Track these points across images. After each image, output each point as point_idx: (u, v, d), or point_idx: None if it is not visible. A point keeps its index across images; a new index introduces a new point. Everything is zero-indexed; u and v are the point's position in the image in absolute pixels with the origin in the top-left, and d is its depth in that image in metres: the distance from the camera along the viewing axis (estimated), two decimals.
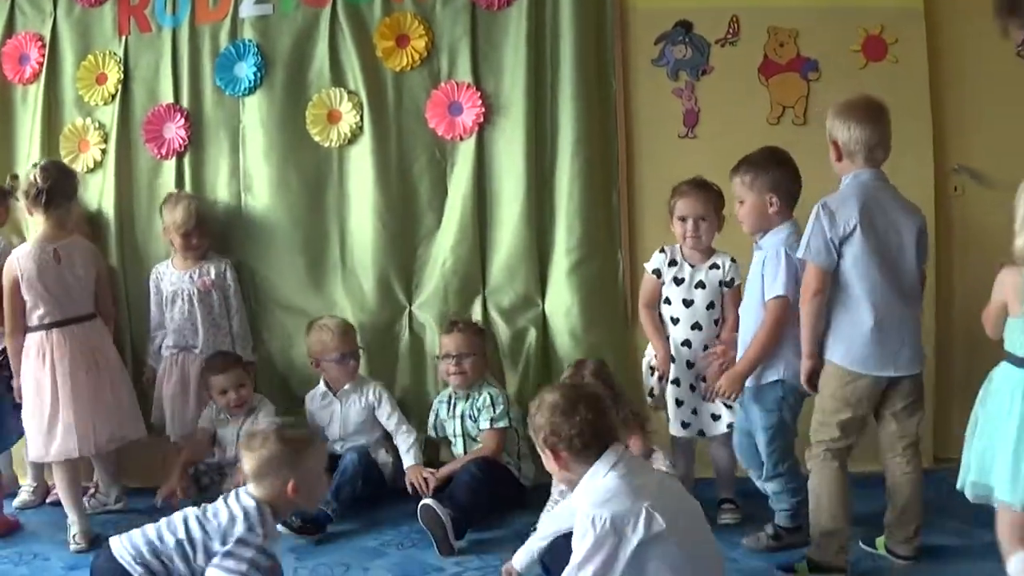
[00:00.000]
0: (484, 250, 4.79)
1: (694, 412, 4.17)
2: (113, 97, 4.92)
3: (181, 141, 4.86)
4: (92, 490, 4.69)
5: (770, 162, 3.79)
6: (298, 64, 4.83)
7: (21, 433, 4.40)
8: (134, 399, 4.53)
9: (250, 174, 4.85)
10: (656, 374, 4.22)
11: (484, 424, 4.45)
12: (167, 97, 4.90)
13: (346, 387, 4.62)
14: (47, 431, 4.21)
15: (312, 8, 4.79)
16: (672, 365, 4.16)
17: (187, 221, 4.64)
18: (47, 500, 4.77)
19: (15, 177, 4.74)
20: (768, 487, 3.84)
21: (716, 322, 4.16)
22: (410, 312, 4.84)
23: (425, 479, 4.38)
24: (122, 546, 3.11)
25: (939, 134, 4.69)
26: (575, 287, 4.70)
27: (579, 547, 2.77)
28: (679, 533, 2.81)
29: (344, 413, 4.62)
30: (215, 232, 4.81)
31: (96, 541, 4.12)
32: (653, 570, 2.77)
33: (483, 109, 4.71)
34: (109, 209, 4.89)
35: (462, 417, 4.54)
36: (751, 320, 3.79)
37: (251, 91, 4.83)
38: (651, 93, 4.77)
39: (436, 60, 4.78)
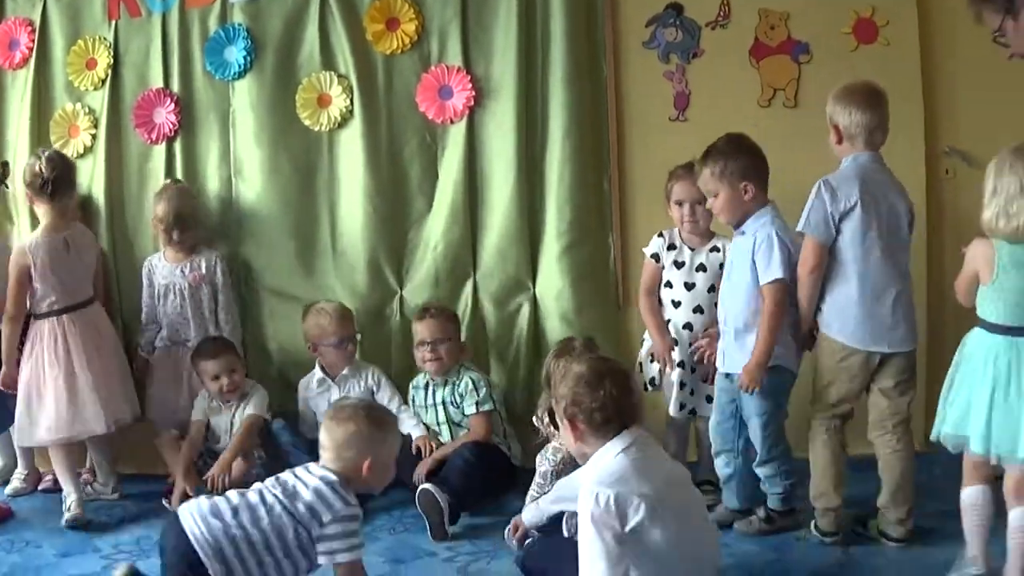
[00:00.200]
0: (475, 234, 4.78)
1: (691, 393, 4.18)
2: (103, 82, 4.91)
3: (171, 126, 4.85)
4: (87, 477, 4.70)
5: (738, 149, 3.77)
6: (288, 48, 4.81)
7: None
8: (131, 380, 4.63)
9: (240, 158, 4.85)
10: (656, 364, 4.23)
11: (469, 409, 4.42)
12: (157, 82, 4.88)
13: (344, 372, 4.61)
14: (65, 411, 4.31)
15: None
16: (676, 348, 4.15)
17: (166, 216, 4.63)
18: (39, 487, 4.79)
19: (5, 164, 4.75)
20: (761, 472, 3.83)
21: (717, 305, 4.12)
22: (401, 296, 4.82)
23: (430, 446, 4.43)
24: (201, 530, 2.97)
25: (930, 117, 4.68)
26: (566, 271, 4.69)
27: (584, 524, 2.78)
28: (677, 523, 2.82)
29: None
30: (204, 225, 4.79)
31: (87, 527, 4.20)
32: (645, 557, 2.78)
33: (473, 92, 4.70)
34: (99, 194, 4.88)
35: (443, 404, 4.52)
36: (738, 305, 3.77)
37: (241, 75, 4.81)
38: (642, 76, 4.75)
39: (426, 43, 4.76)
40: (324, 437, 3.16)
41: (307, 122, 4.80)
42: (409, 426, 4.50)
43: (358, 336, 4.68)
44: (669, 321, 4.19)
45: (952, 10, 4.55)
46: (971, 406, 3.12)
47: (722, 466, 3.90)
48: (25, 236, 4.79)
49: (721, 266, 4.09)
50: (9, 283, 4.35)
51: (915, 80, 4.64)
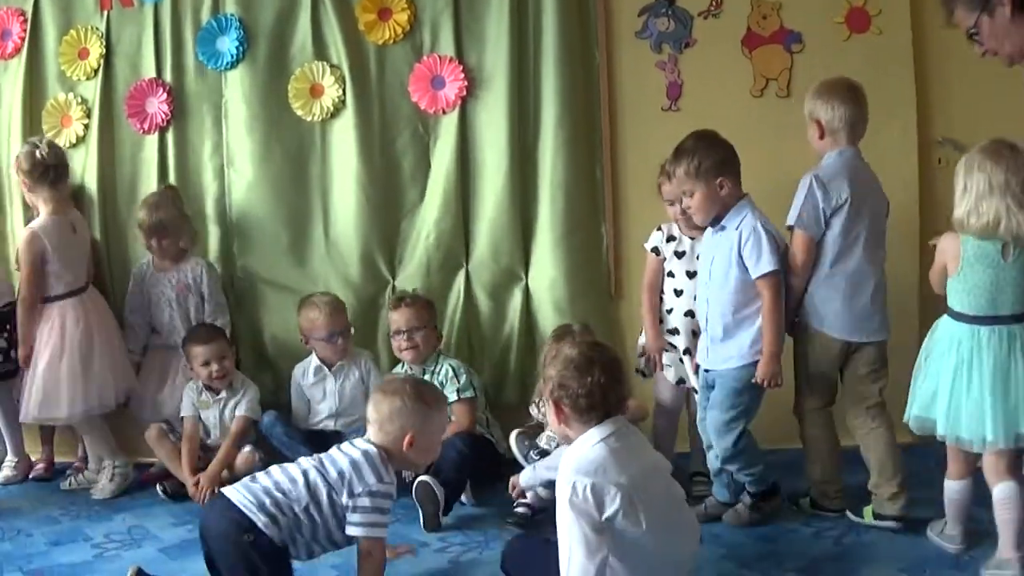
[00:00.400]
0: (467, 224, 4.77)
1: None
2: (95, 72, 4.91)
3: (164, 116, 4.85)
4: (78, 465, 4.73)
5: (709, 145, 3.72)
6: (280, 38, 4.81)
7: None
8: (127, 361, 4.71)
9: (233, 148, 4.84)
10: (644, 357, 4.25)
11: (451, 397, 4.33)
12: (149, 72, 4.88)
13: (340, 361, 4.61)
14: (83, 387, 4.45)
15: None
16: (672, 345, 4.16)
17: (149, 223, 4.65)
18: (30, 475, 4.80)
19: None
20: (731, 466, 3.80)
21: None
22: (393, 286, 4.82)
23: None
24: (241, 495, 3.08)
25: (923, 106, 4.68)
26: (559, 260, 4.69)
27: (562, 512, 2.79)
28: (654, 513, 2.81)
29: (340, 388, 4.59)
30: (190, 233, 4.77)
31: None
32: (624, 546, 2.78)
33: (466, 82, 4.69)
34: (92, 184, 4.88)
35: None
36: (723, 302, 3.73)
37: (233, 65, 4.81)
38: (634, 66, 4.75)
39: (419, 33, 4.76)
40: (370, 411, 3.24)
41: (299, 112, 4.80)
42: None
43: (352, 330, 4.66)
44: (672, 311, 4.19)
45: None
46: (937, 390, 3.27)
47: (712, 459, 3.89)
48: (17, 226, 4.81)
49: None
50: (24, 267, 4.44)
51: (907, 69, 4.64)
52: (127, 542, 3.94)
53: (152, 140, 4.89)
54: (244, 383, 4.64)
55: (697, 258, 4.09)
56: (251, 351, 4.90)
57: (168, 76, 4.86)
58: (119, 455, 4.63)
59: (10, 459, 4.81)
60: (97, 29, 4.89)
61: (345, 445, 3.22)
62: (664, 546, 2.86)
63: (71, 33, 4.92)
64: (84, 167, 4.90)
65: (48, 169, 4.48)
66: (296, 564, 3.19)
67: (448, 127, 4.74)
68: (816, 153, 3.85)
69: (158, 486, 4.48)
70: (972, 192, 3.19)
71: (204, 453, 4.53)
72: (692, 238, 4.15)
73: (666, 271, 4.23)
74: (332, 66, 4.76)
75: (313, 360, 4.64)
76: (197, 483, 4.35)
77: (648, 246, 4.26)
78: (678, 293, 4.17)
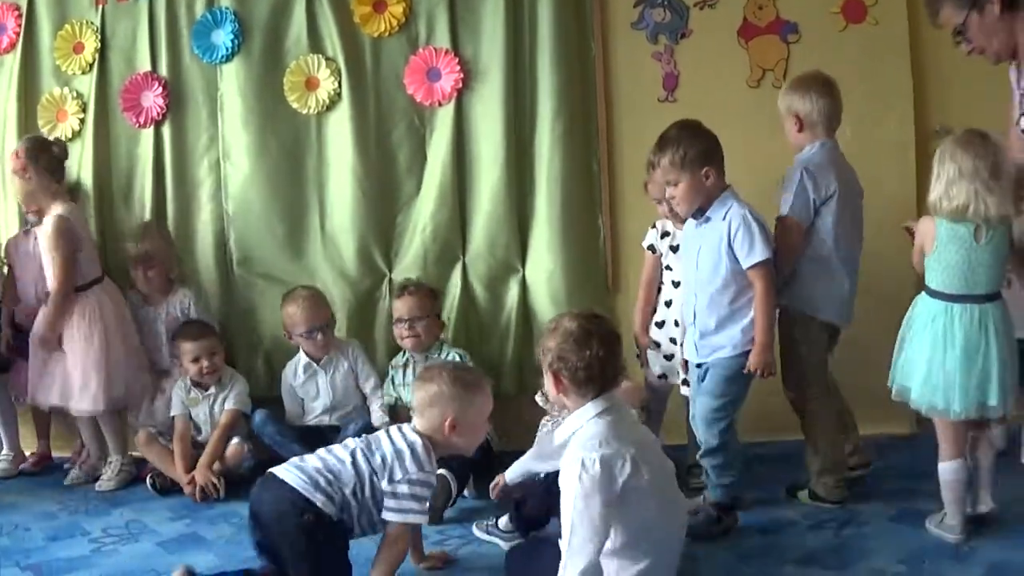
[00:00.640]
0: (464, 216, 4.77)
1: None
2: (91, 66, 4.90)
3: (159, 109, 4.84)
4: (83, 459, 4.72)
5: (694, 135, 3.67)
6: (275, 31, 4.80)
7: None
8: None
9: (228, 142, 4.83)
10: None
11: None
12: (144, 65, 4.88)
13: (327, 355, 4.59)
14: (112, 377, 4.48)
15: None
16: (678, 328, 4.14)
17: (129, 252, 4.69)
18: (20, 469, 4.81)
19: None
20: (708, 461, 3.75)
21: None
22: (390, 279, 4.81)
23: None
24: (296, 476, 3.11)
25: (920, 96, 4.67)
26: (556, 253, 4.69)
27: (570, 489, 2.79)
28: (656, 487, 2.85)
29: (331, 381, 4.57)
30: (176, 265, 4.79)
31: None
32: (629, 515, 2.80)
33: (462, 75, 4.69)
34: (88, 178, 4.87)
35: None
36: (713, 294, 3.68)
37: (228, 59, 4.80)
38: (630, 57, 4.75)
39: (414, 26, 4.75)
40: (413, 399, 3.30)
41: (295, 105, 4.79)
42: (376, 417, 4.46)
43: (334, 322, 4.64)
44: (671, 303, 4.18)
45: None
46: (914, 363, 3.48)
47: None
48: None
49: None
50: (60, 254, 4.41)
51: (904, 59, 4.64)
52: (125, 536, 3.93)
53: (148, 134, 4.88)
54: (232, 377, 4.64)
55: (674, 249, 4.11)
56: (247, 345, 4.89)
57: (163, 70, 4.86)
58: (126, 451, 4.65)
59: (6, 453, 4.81)
60: (92, 23, 4.88)
61: (393, 430, 3.23)
62: (667, 516, 2.90)
63: (66, 27, 4.91)
64: (80, 161, 4.89)
65: (62, 164, 4.58)
66: None
67: (444, 119, 4.73)
68: (793, 146, 3.91)
69: (148, 479, 4.47)
70: (943, 178, 3.37)
71: (195, 451, 4.51)
72: None
73: (664, 265, 4.23)
74: (327, 59, 4.75)
75: (301, 357, 4.62)
76: (191, 480, 4.34)
77: (644, 244, 4.27)
78: (676, 285, 4.17)
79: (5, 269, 4.81)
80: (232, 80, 4.81)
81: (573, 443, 2.88)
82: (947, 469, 3.48)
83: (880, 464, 4.19)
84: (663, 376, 4.25)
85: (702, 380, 3.77)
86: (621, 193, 4.75)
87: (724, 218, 3.64)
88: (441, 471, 3.94)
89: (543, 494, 3.38)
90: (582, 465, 2.76)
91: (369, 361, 4.63)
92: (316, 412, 4.59)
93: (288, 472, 3.13)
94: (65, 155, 4.63)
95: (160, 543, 3.84)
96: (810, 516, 3.80)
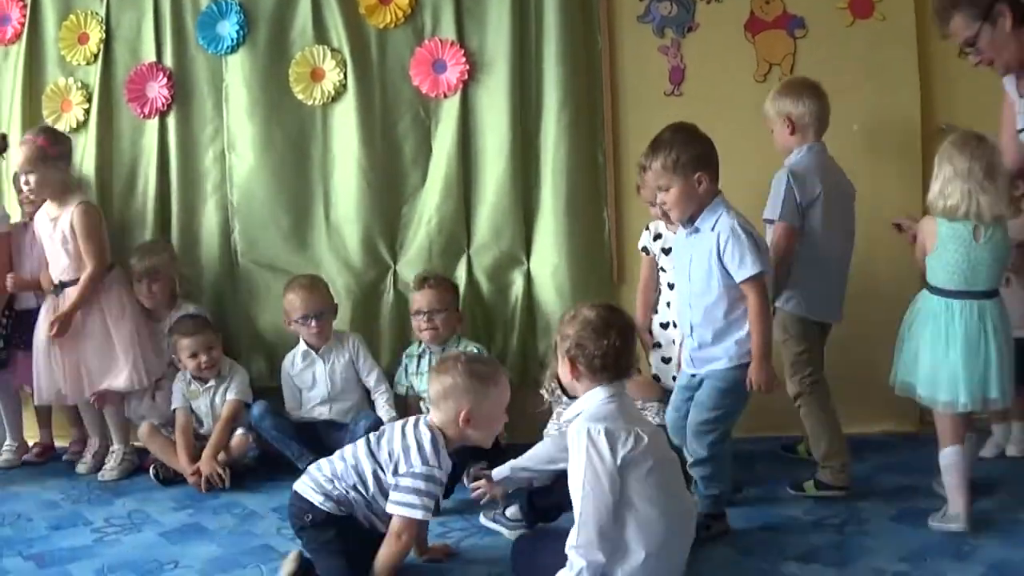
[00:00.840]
0: (469, 208, 4.77)
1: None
2: (95, 57, 4.89)
3: (164, 100, 4.83)
4: (94, 448, 4.73)
5: (688, 139, 3.49)
6: (281, 22, 4.79)
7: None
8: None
9: (233, 133, 4.83)
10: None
11: None
12: (149, 56, 4.87)
13: (328, 344, 4.57)
14: (135, 363, 4.53)
15: None
16: (676, 329, 4.11)
17: (141, 269, 4.66)
18: (23, 459, 4.82)
19: (3, 136, 4.73)
20: (698, 472, 3.63)
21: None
22: (395, 271, 4.81)
23: None
24: (303, 482, 3.24)
25: (926, 92, 4.66)
26: (561, 245, 4.69)
27: (576, 459, 2.84)
28: (661, 477, 2.88)
29: (329, 371, 4.55)
30: (180, 281, 4.78)
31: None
32: (637, 502, 2.83)
33: (467, 66, 4.68)
34: (91, 168, 4.87)
35: None
36: (708, 307, 3.53)
37: (234, 49, 4.79)
38: (637, 50, 4.74)
39: (420, 17, 4.74)
40: (428, 390, 3.31)
41: (300, 96, 4.78)
42: (383, 412, 4.46)
43: (335, 311, 4.63)
44: (670, 304, 4.18)
45: None
46: (917, 357, 3.58)
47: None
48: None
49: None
50: (92, 238, 4.46)
51: (911, 55, 4.63)
52: (127, 526, 3.93)
53: (152, 125, 4.87)
54: (232, 368, 4.64)
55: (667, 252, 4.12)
56: (250, 335, 4.89)
57: (168, 60, 4.85)
58: (128, 441, 4.66)
59: (9, 443, 4.82)
60: (97, 14, 4.88)
61: (407, 425, 3.22)
62: (672, 505, 2.92)
63: (71, 18, 4.91)
64: (84, 152, 4.89)
65: (70, 154, 4.63)
66: None
67: (449, 111, 4.72)
68: (783, 149, 3.97)
69: (151, 469, 4.48)
70: (940, 178, 3.47)
71: (198, 443, 4.51)
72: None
73: (658, 266, 4.25)
74: (333, 50, 4.74)
75: (300, 346, 4.61)
76: (196, 472, 4.34)
77: (639, 246, 4.30)
78: (671, 287, 4.16)
79: None
80: (237, 71, 4.80)
81: (579, 419, 2.93)
82: (948, 453, 3.54)
83: (883, 462, 4.19)
84: (656, 378, 4.26)
85: (695, 390, 3.64)
86: (626, 186, 4.73)
87: (713, 229, 3.46)
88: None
89: (559, 488, 3.37)
90: (588, 435, 2.83)
91: (371, 354, 4.61)
92: (314, 403, 4.56)
93: (301, 480, 3.26)
94: (68, 143, 4.66)
95: (162, 533, 3.84)
96: (812, 513, 3.79)
